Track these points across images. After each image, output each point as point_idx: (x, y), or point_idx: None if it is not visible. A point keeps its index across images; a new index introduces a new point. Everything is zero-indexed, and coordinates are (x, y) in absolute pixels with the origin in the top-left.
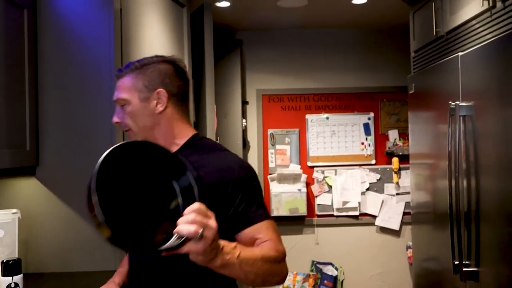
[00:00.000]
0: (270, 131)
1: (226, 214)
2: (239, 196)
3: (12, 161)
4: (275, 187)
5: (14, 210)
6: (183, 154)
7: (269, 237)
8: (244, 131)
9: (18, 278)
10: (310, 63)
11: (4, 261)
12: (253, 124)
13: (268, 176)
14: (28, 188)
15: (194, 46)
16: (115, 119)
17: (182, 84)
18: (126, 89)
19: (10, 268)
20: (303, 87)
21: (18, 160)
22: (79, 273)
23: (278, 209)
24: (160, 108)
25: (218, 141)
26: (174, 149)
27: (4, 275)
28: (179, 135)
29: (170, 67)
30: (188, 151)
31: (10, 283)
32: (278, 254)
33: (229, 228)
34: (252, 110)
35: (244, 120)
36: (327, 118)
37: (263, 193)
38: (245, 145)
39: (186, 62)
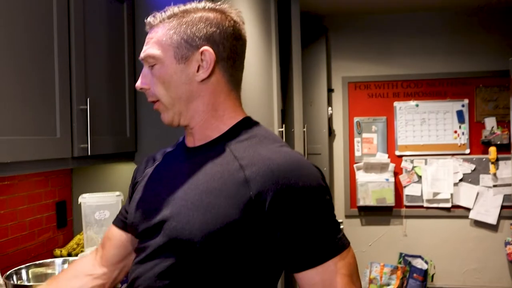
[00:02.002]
0: (356, 119)
1: (277, 242)
2: (301, 217)
3: (114, 147)
4: (361, 176)
5: (117, 193)
6: (224, 144)
7: None
8: (330, 119)
9: None
10: (398, 48)
11: None
12: (338, 112)
13: (354, 165)
14: (128, 172)
15: (281, 34)
16: (139, 83)
17: (237, 44)
18: (159, 43)
19: None
20: (391, 74)
21: (120, 146)
22: None
23: (364, 198)
24: (202, 74)
25: (304, 129)
26: (215, 135)
27: None
28: (225, 116)
29: (223, 18)
30: (233, 141)
31: None
32: None
33: (284, 264)
34: (338, 98)
35: (329, 108)
36: (417, 105)
37: (349, 184)
38: (331, 133)
39: (274, 50)
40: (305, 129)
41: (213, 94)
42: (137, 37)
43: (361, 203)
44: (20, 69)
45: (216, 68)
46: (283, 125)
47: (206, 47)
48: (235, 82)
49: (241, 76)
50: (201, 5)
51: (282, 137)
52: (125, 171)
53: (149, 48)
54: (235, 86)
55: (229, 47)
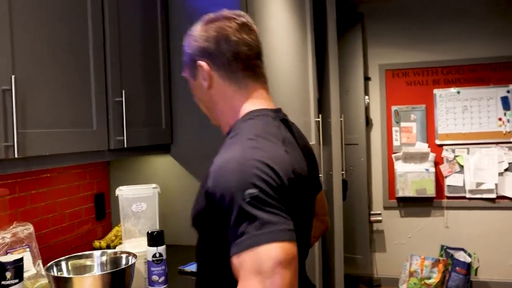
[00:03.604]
0: (394, 107)
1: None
2: (229, 216)
3: (150, 139)
4: (400, 167)
5: (154, 185)
6: (224, 140)
7: (239, 282)
8: (367, 109)
9: (161, 249)
10: (438, 33)
11: (149, 232)
12: (376, 100)
13: (393, 155)
14: (164, 164)
15: (316, 22)
16: (194, 96)
17: (236, 46)
18: (184, 64)
19: (155, 239)
20: (430, 60)
21: (155, 138)
22: None
23: (403, 189)
24: (205, 84)
25: (342, 119)
26: (227, 129)
27: (149, 245)
28: (235, 114)
29: (217, 27)
30: (227, 137)
31: (155, 253)
32: None
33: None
34: (375, 86)
35: (366, 97)
36: (458, 92)
37: (387, 175)
38: (368, 122)
39: (309, 39)
40: (342, 119)
41: (221, 97)
42: (171, 28)
43: (400, 194)
44: (58, 63)
45: (215, 75)
46: (320, 115)
47: (200, 61)
48: (241, 80)
49: (248, 73)
50: (202, 19)
51: (319, 128)
52: (162, 163)
53: (183, 70)
54: (243, 85)
55: (222, 53)
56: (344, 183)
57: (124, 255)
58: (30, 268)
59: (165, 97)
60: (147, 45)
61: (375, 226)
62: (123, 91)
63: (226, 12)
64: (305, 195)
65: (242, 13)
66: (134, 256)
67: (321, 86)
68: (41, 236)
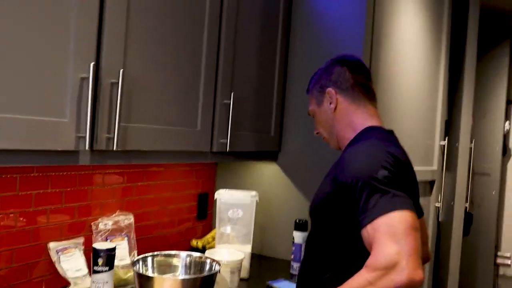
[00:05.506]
0: None
1: (354, 215)
2: (360, 195)
3: (256, 145)
4: None
5: (253, 193)
6: (347, 147)
7: (373, 247)
8: (506, 136)
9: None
10: None
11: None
12: None
13: None
14: (271, 171)
15: (454, 35)
16: (315, 131)
17: (355, 76)
18: (310, 101)
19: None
20: None
21: (262, 145)
22: None
23: None
24: (332, 106)
25: (472, 144)
26: (346, 143)
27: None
28: (354, 128)
29: (339, 66)
30: (351, 144)
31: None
32: (368, 275)
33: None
34: None
35: (507, 123)
36: None
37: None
38: (505, 152)
39: (443, 53)
40: (472, 145)
41: (343, 116)
42: (291, 33)
43: None
44: (169, 61)
45: (340, 98)
46: (446, 138)
47: (328, 88)
48: (360, 101)
49: (369, 96)
50: (326, 63)
51: (443, 152)
52: (268, 170)
53: (308, 107)
54: (362, 102)
55: (347, 80)
56: (469, 216)
57: (208, 260)
58: (125, 257)
59: (277, 103)
60: (265, 48)
61: (502, 271)
62: (232, 94)
63: (344, 55)
64: (415, 194)
65: (355, 55)
66: (218, 264)
67: (451, 106)
68: (141, 227)
